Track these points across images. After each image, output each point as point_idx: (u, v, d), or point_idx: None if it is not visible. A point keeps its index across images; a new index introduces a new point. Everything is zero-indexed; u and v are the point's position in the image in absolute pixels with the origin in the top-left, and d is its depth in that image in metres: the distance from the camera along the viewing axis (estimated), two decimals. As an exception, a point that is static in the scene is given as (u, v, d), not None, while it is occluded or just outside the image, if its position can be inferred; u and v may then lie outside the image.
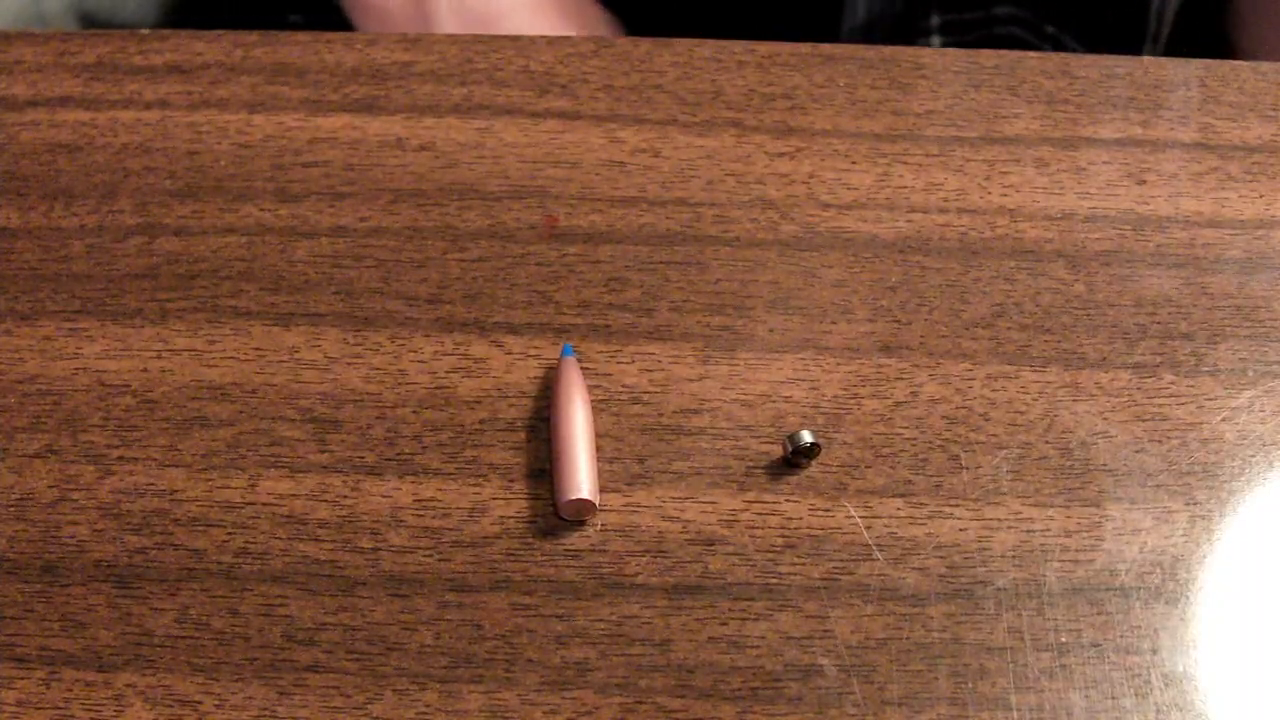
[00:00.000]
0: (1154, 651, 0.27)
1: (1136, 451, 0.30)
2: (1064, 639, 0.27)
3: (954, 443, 0.30)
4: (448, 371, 0.31)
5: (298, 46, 0.37)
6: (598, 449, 0.30)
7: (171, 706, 0.26)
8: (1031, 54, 0.38)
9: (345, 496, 0.29)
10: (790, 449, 0.29)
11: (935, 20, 0.50)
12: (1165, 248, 0.33)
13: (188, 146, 0.35)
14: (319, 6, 0.52)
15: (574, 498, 0.28)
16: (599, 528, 0.29)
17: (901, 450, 0.30)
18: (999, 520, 0.29)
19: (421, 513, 0.29)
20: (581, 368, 0.31)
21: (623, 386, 0.31)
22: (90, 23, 0.52)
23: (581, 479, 0.28)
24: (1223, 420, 0.30)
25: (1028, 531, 0.29)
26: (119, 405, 0.30)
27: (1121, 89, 0.37)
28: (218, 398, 0.31)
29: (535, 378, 0.31)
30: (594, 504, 0.28)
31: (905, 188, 0.35)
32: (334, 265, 0.33)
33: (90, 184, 0.35)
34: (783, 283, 0.33)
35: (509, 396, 0.30)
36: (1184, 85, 0.37)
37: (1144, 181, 0.35)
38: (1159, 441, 0.30)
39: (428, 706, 0.26)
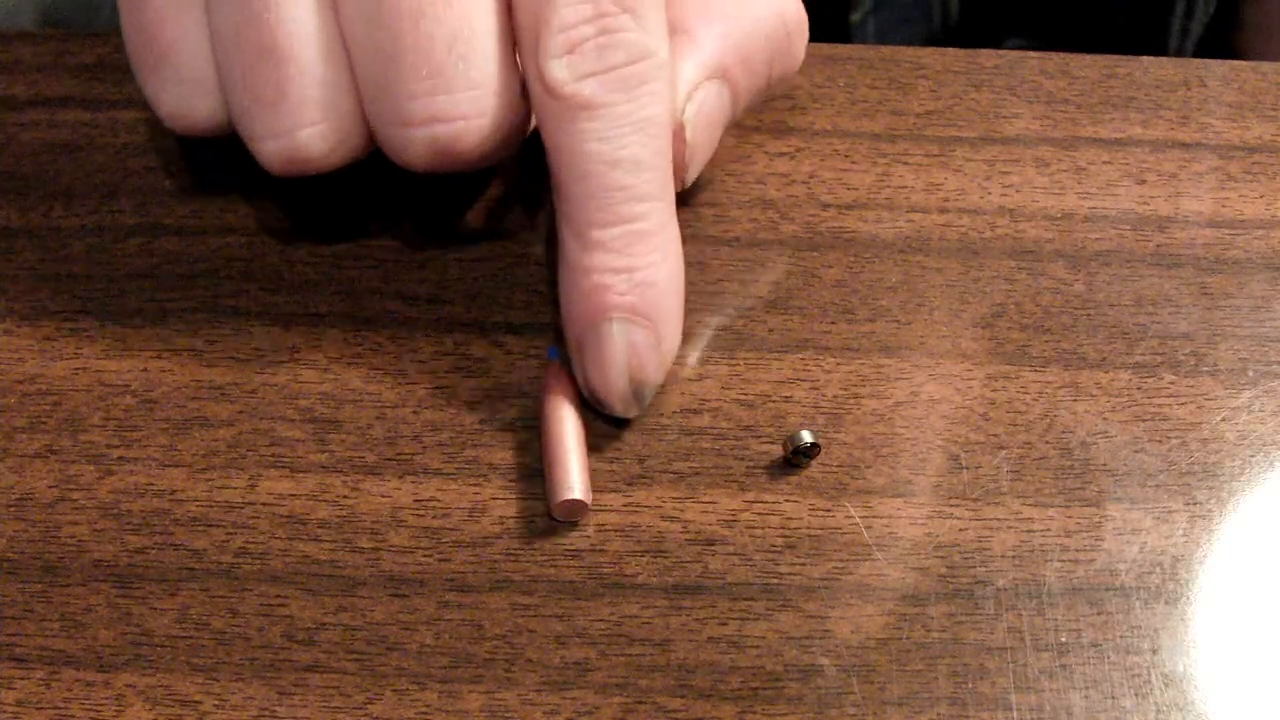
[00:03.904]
0: (1154, 651, 0.27)
1: (1136, 451, 0.30)
2: (1064, 639, 0.27)
3: (954, 443, 0.30)
4: (447, 371, 0.31)
5: (298, 46, 0.37)
6: (598, 449, 0.30)
7: (171, 706, 0.26)
8: (1031, 54, 0.38)
9: (345, 496, 0.29)
10: (790, 449, 0.29)
11: None
12: (1165, 248, 0.33)
13: (188, 146, 0.35)
14: None
15: (566, 499, 0.28)
16: (599, 528, 0.29)
17: (901, 450, 0.30)
18: (999, 520, 0.29)
19: (421, 513, 0.29)
20: (581, 368, 0.31)
21: (623, 386, 0.31)
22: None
23: (573, 479, 0.28)
24: (1223, 420, 0.30)
25: (1028, 531, 0.29)
26: (119, 405, 0.30)
27: (1121, 89, 0.37)
28: (218, 398, 0.31)
29: (535, 378, 0.31)
30: (586, 504, 0.28)
31: (905, 188, 0.35)
32: (334, 265, 0.33)
33: (90, 184, 0.35)
34: (783, 283, 0.33)
35: (509, 396, 0.30)
36: (1184, 85, 0.37)
37: (1144, 181, 0.35)
38: (1159, 441, 0.30)
39: (428, 706, 0.26)
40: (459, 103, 0.27)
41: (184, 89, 0.30)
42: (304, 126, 0.29)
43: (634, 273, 0.28)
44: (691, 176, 0.31)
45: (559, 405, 0.29)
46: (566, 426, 0.29)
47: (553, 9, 0.27)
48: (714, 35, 0.31)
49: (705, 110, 0.31)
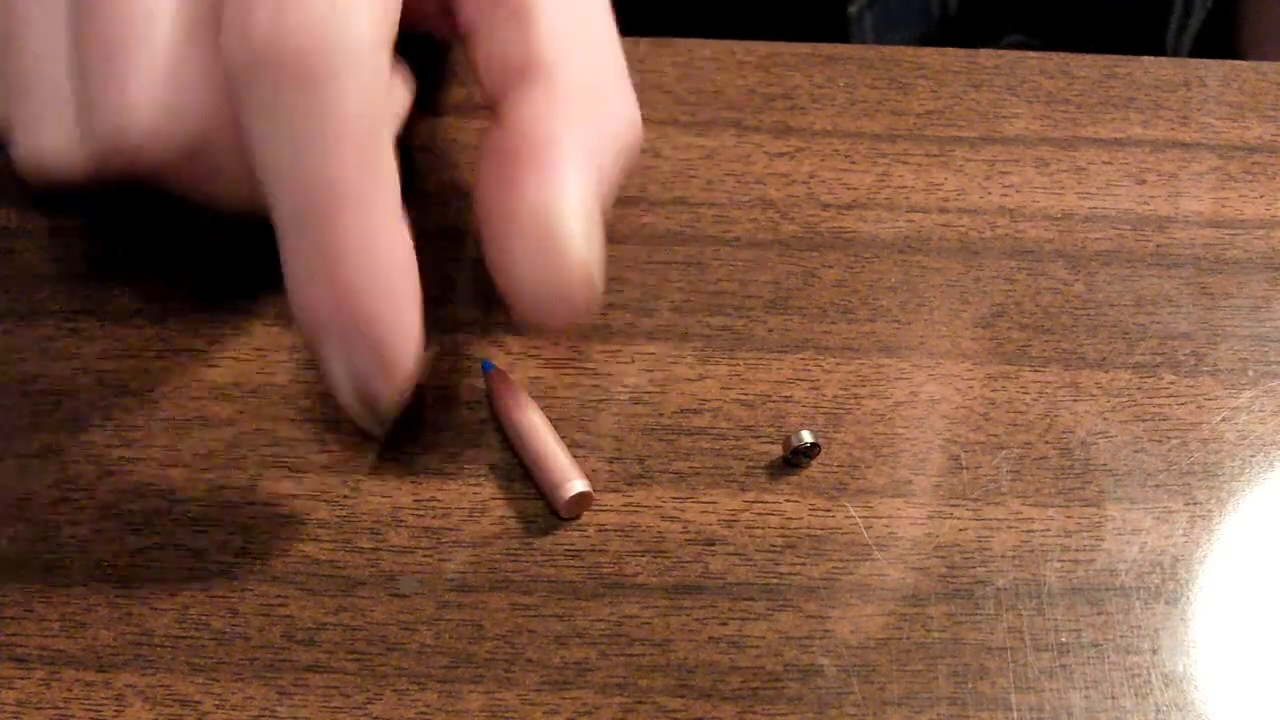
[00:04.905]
0: (1154, 651, 0.27)
1: (1136, 451, 0.30)
2: (1064, 639, 0.27)
3: (954, 443, 0.30)
4: (448, 371, 0.31)
5: (298, 46, 0.37)
6: (599, 449, 0.30)
7: (171, 706, 0.26)
8: (1031, 54, 0.38)
9: (345, 496, 0.29)
10: (790, 449, 0.29)
11: None
12: (1165, 248, 0.33)
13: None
14: None
15: (575, 493, 0.28)
16: (599, 528, 0.29)
17: (901, 450, 0.30)
18: (999, 520, 0.29)
19: (421, 513, 0.29)
20: (582, 367, 0.31)
21: (623, 386, 0.31)
22: None
23: (574, 471, 0.28)
24: (1223, 420, 0.30)
25: (1028, 531, 0.29)
26: (119, 405, 0.30)
27: (1121, 89, 0.37)
28: (218, 398, 0.31)
29: (535, 377, 0.31)
30: (592, 494, 0.28)
31: (905, 188, 0.35)
32: (334, 265, 0.33)
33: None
34: (783, 283, 0.33)
35: (509, 396, 0.30)
36: (1184, 85, 0.37)
37: (1144, 181, 0.35)
38: (1159, 441, 0.30)
39: (428, 706, 0.26)
40: (131, 86, 0.24)
41: None
42: (41, 123, 0.26)
43: (335, 285, 0.25)
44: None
45: (523, 408, 0.29)
46: (540, 426, 0.29)
47: None
48: (582, 142, 0.27)
49: (598, 235, 0.27)
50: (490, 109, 0.28)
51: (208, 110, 0.25)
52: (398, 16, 0.25)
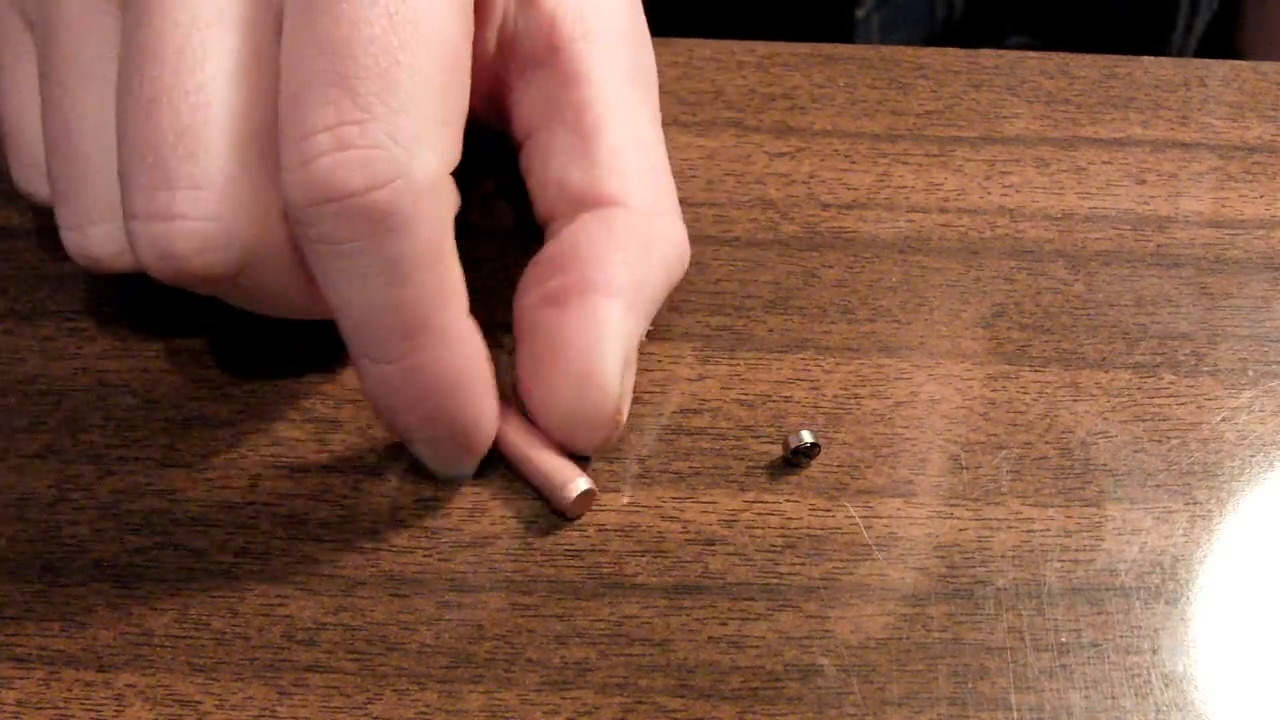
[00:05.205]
0: (1154, 651, 0.27)
1: (1136, 451, 0.30)
2: (1064, 639, 0.27)
3: (954, 443, 0.30)
4: (448, 371, 0.31)
5: (298, 46, 0.37)
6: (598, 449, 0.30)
7: (171, 706, 0.26)
8: (1031, 54, 0.38)
9: (345, 497, 0.29)
10: (790, 449, 0.29)
11: None
12: (1165, 248, 0.33)
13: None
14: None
15: (581, 492, 0.28)
16: (599, 528, 0.29)
17: (901, 450, 0.30)
18: (999, 520, 0.29)
19: (421, 513, 0.29)
20: (581, 368, 0.31)
21: (623, 386, 0.31)
22: None
23: (575, 471, 0.28)
24: (1223, 420, 0.30)
25: (1028, 531, 0.29)
26: (119, 405, 0.30)
27: (1121, 89, 0.37)
28: (218, 398, 0.31)
29: (535, 378, 0.31)
30: (596, 492, 0.28)
31: (905, 188, 0.35)
32: (334, 265, 0.33)
33: (90, 184, 0.35)
34: (783, 283, 0.33)
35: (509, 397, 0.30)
36: (1184, 85, 0.37)
37: (1144, 181, 0.35)
38: (1159, 441, 0.30)
39: (428, 706, 0.26)
40: (177, 201, 0.24)
41: (27, 172, 0.29)
42: (93, 224, 0.27)
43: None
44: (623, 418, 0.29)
45: (507, 413, 0.29)
46: (529, 427, 0.29)
47: (294, 106, 0.23)
48: (630, 283, 0.28)
49: (631, 370, 0.28)
50: (540, 219, 0.29)
51: (259, 233, 0.25)
52: (462, 131, 0.25)
